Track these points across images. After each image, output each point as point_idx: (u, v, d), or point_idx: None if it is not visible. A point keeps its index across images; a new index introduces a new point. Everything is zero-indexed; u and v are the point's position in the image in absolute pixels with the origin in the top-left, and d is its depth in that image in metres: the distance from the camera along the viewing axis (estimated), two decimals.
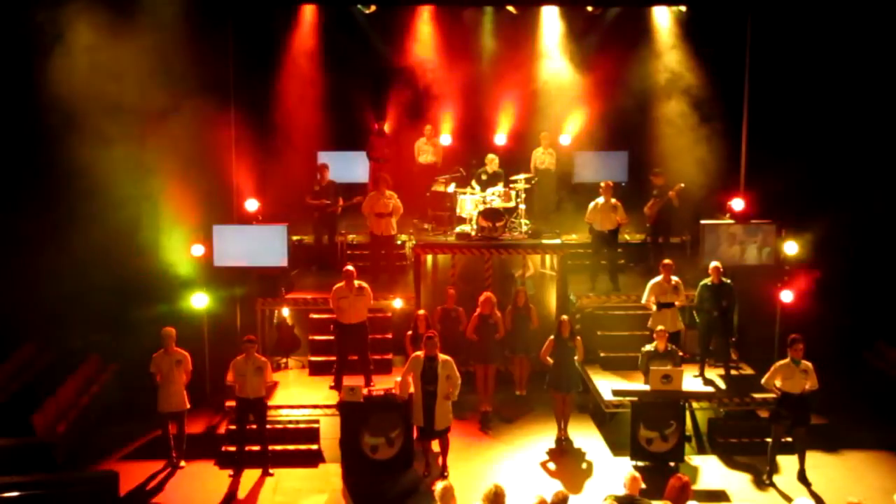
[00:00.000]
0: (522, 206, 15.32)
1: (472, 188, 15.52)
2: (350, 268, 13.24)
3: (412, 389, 11.78)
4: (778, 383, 11.89)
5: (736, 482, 12.07)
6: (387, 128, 17.45)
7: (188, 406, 12.52)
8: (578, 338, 13.01)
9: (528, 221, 15.33)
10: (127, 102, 13.72)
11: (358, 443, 11.92)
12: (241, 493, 11.77)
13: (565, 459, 12.67)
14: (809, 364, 11.84)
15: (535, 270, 17.12)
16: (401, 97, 17.80)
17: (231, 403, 12.55)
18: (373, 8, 17.07)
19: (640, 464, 11.95)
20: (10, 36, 14.01)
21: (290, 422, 12.96)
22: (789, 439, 12.22)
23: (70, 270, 14.57)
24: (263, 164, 16.10)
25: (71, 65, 13.36)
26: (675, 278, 13.42)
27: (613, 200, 14.72)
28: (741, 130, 15.60)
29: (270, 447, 12.35)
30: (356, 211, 15.48)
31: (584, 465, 12.51)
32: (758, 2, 15.28)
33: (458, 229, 15.15)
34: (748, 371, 13.93)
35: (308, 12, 17.16)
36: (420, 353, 11.77)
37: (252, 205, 15.01)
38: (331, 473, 12.24)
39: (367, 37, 17.70)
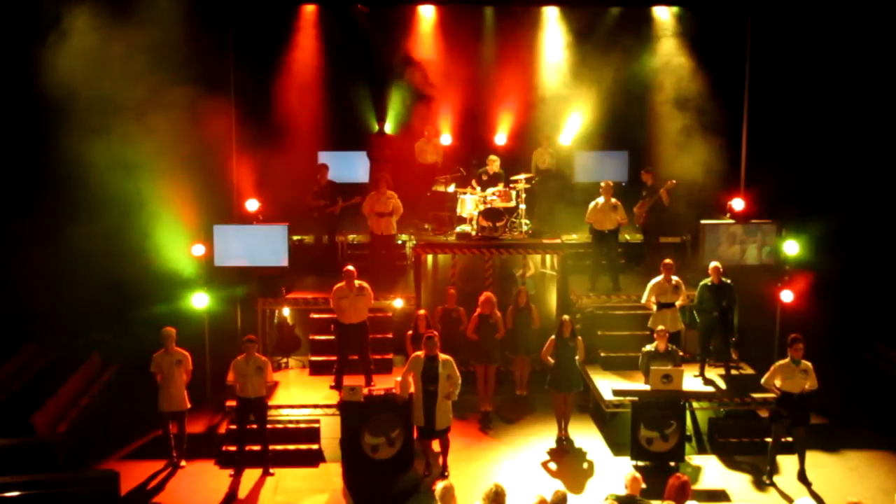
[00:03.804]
0: (523, 206, 15.33)
1: (473, 188, 15.53)
2: (350, 268, 13.23)
3: (413, 389, 11.78)
4: (778, 383, 11.90)
5: (736, 482, 12.07)
6: (387, 128, 17.47)
7: (189, 406, 12.52)
8: (579, 337, 13.02)
9: (528, 221, 15.34)
10: (127, 99, 13.72)
11: (358, 442, 11.92)
12: (242, 493, 11.77)
13: (566, 459, 12.68)
14: (809, 364, 11.84)
15: (536, 270, 17.13)
16: (401, 97, 17.80)
17: (232, 403, 12.55)
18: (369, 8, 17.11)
19: (641, 463, 11.96)
20: (6, 31, 13.98)
21: (290, 421, 12.97)
22: (789, 439, 12.23)
23: (71, 270, 14.57)
24: (264, 164, 16.10)
25: (70, 61, 13.34)
26: (675, 278, 13.43)
27: (613, 200, 14.73)
28: (741, 130, 15.61)
29: (271, 447, 12.36)
30: (356, 211, 15.48)
31: (584, 465, 12.52)
32: (758, 2, 15.29)
33: (458, 229, 15.17)
34: (748, 371, 13.94)
35: (308, 12, 17.17)
36: (420, 353, 11.78)
37: (252, 204, 15.02)
38: (331, 473, 12.24)
39: (368, 36, 17.70)
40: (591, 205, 14.83)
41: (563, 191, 17.61)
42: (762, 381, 12.17)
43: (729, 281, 13.47)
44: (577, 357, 12.90)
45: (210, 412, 13.86)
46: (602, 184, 14.84)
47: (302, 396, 13.30)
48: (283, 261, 14.35)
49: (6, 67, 14.05)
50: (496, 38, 17.84)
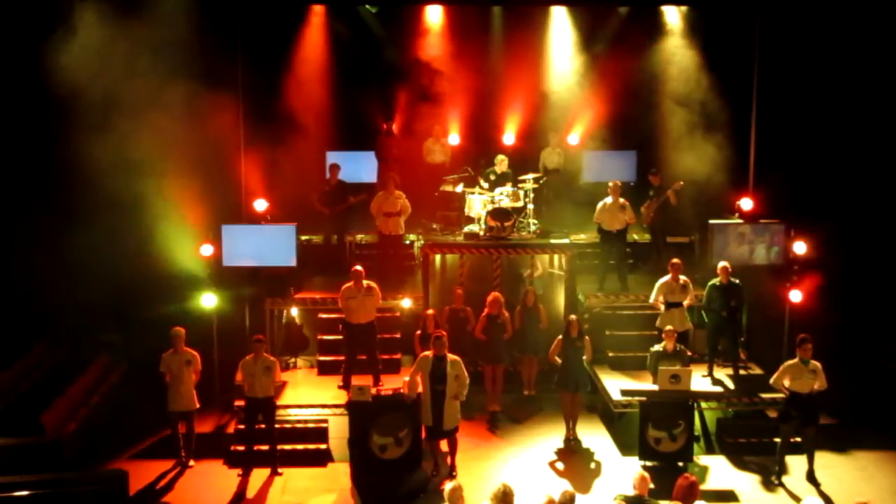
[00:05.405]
0: (531, 206, 15.32)
1: (481, 188, 15.52)
2: (359, 268, 13.25)
3: (421, 389, 11.79)
4: (786, 383, 11.87)
5: (745, 482, 12.04)
6: (395, 128, 17.46)
7: (197, 405, 12.53)
8: (587, 337, 13.01)
9: (536, 221, 15.33)
10: (135, 98, 13.74)
11: (367, 442, 11.92)
12: (250, 493, 11.79)
13: (574, 459, 12.66)
14: (818, 364, 11.80)
15: (544, 270, 17.11)
16: (409, 97, 17.81)
17: (240, 403, 12.57)
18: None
19: (649, 464, 11.94)
20: (13, 29, 14.01)
21: (298, 421, 12.98)
22: (798, 439, 12.20)
23: (79, 270, 14.59)
24: (272, 164, 16.12)
25: (77, 59, 13.35)
26: (683, 277, 13.41)
27: (622, 200, 14.71)
28: (750, 130, 15.56)
29: (279, 446, 12.37)
30: (364, 211, 15.49)
31: (592, 465, 12.50)
32: (767, 1, 15.25)
33: (466, 229, 15.15)
34: (757, 371, 13.91)
35: (316, 12, 17.19)
36: (429, 353, 11.79)
37: (261, 204, 15.02)
38: (339, 473, 12.25)
39: (376, 36, 17.72)
40: (600, 205, 14.81)
41: (571, 191, 17.59)
42: (771, 381, 12.14)
43: (737, 281, 13.44)
44: (584, 357, 12.90)
45: (218, 412, 13.88)
46: (610, 184, 14.82)
47: (310, 396, 13.32)
48: (291, 261, 14.37)
49: (14, 66, 14.08)
50: (504, 38, 17.83)
